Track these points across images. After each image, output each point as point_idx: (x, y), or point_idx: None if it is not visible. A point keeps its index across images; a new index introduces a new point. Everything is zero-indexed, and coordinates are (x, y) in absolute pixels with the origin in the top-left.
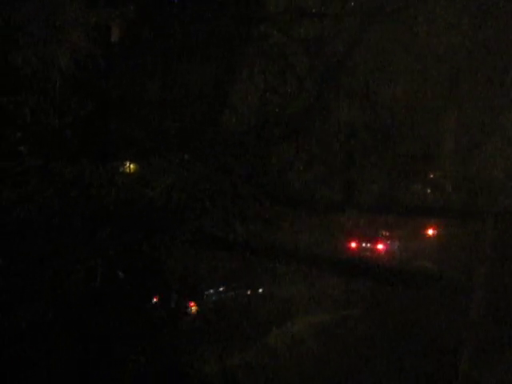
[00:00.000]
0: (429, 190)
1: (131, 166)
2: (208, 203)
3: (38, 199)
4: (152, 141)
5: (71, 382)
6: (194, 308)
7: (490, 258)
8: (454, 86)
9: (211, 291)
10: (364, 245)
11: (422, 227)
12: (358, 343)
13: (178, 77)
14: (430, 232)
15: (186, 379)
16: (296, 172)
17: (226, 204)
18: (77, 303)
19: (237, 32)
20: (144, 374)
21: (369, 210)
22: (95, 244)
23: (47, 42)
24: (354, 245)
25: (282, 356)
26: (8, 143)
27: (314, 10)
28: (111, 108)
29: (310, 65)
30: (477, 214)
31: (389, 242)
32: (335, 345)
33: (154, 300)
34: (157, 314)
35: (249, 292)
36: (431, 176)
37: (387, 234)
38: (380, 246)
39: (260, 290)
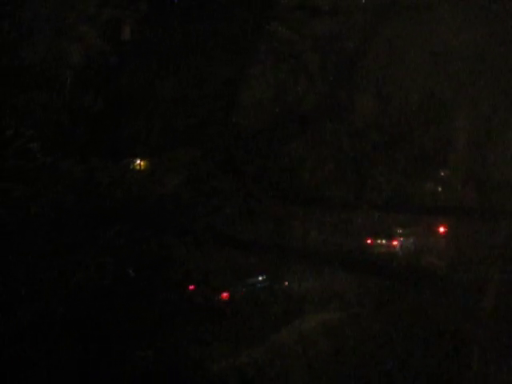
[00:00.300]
0: (440, 189)
1: (142, 163)
2: (219, 201)
3: (48, 196)
4: (163, 138)
5: (80, 378)
6: (226, 298)
7: (503, 257)
8: (467, 83)
9: (244, 282)
10: (379, 241)
11: (434, 225)
12: (368, 341)
13: (189, 74)
14: (442, 230)
15: (194, 377)
16: (307, 170)
17: (237, 202)
18: (87, 301)
19: (248, 30)
20: (152, 370)
21: (380, 209)
22: (105, 241)
23: (58, 38)
24: (369, 241)
25: (292, 354)
26: (19, 140)
27: (325, 7)
28: (122, 105)
29: (322, 62)
30: (489, 212)
31: (403, 239)
32: (345, 343)
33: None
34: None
35: (276, 284)
36: (442, 174)
37: (400, 231)
38: (395, 243)
39: (286, 283)
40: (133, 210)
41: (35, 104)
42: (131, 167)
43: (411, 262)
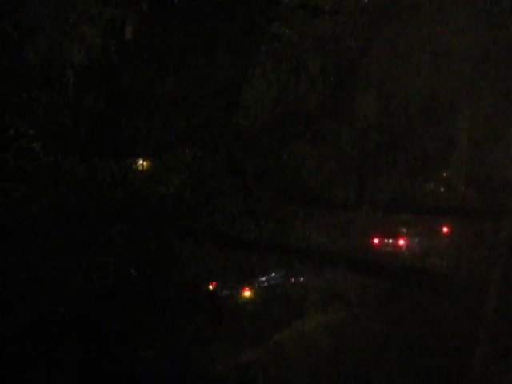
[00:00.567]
0: (442, 189)
1: (144, 163)
2: (220, 201)
3: (50, 196)
4: (164, 138)
5: (80, 378)
6: (247, 293)
7: (505, 257)
8: (468, 83)
9: (264, 278)
10: (386, 241)
11: (437, 225)
12: (370, 341)
13: (192, 74)
14: (445, 230)
15: (194, 377)
16: (309, 170)
17: (239, 202)
18: (87, 301)
19: (249, 30)
20: (152, 370)
21: (382, 209)
22: (107, 241)
23: (60, 38)
24: (376, 241)
25: (293, 354)
26: (21, 140)
27: (326, 7)
28: (123, 105)
29: (323, 63)
30: (491, 212)
31: (409, 238)
32: (346, 343)
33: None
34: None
35: (293, 280)
36: (444, 175)
37: (404, 231)
38: (401, 242)
39: (301, 279)
40: (134, 210)
41: (37, 104)
42: (133, 167)
43: (415, 264)
